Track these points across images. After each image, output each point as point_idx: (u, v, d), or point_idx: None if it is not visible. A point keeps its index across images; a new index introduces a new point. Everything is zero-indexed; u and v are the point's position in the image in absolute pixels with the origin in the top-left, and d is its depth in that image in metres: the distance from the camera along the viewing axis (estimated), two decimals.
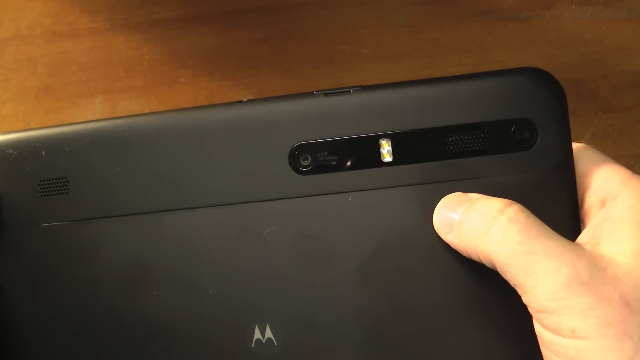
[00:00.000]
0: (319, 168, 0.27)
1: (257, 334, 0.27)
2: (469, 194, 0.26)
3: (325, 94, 0.27)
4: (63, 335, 0.28)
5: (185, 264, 0.27)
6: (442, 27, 0.43)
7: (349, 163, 0.27)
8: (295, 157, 0.27)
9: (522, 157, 0.26)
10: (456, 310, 0.26)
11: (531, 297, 0.23)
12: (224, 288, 0.27)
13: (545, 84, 0.26)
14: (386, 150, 0.27)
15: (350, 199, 0.27)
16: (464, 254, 0.25)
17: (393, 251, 0.26)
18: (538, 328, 0.24)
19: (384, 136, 0.27)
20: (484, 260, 0.24)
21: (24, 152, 0.28)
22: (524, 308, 0.24)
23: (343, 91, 0.27)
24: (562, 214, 0.26)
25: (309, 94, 0.27)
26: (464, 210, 0.25)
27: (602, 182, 0.25)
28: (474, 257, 0.25)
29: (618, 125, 0.41)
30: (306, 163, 0.27)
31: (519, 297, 0.24)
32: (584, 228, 0.26)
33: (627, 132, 0.41)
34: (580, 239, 0.25)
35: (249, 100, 0.27)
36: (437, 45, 0.43)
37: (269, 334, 0.27)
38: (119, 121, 0.28)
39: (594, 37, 0.42)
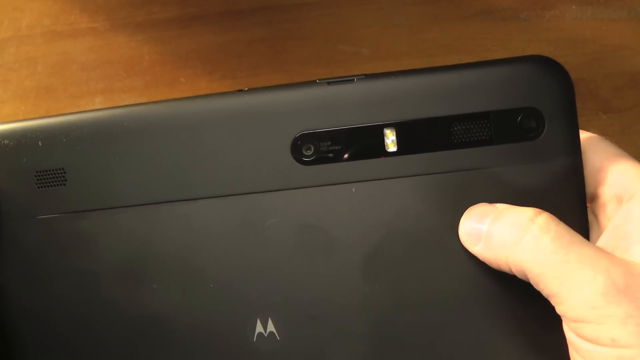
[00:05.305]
0: (322, 158, 0.27)
1: (259, 328, 0.27)
2: (494, 204, 0.25)
3: (328, 83, 0.26)
4: (61, 328, 0.28)
5: (185, 257, 0.27)
6: (442, 27, 0.43)
7: (352, 153, 0.26)
8: (297, 147, 0.27)
9: (528, 147, 0.26)
10: (461, 301, 0.26)
11: (567, 307, 0.22)
12: (225, 281, 0.27)
13: (553, 73, 0.26)
14: (390, 140, 0.26)
15: (354, 190, 0.26)
16: (493, 265, 0.25)
17: (397, 242, 0.26)
18: (572, 337, 0.23)
19: (388, 125, 0.26)
20: (515, 271, 0.24)
21: (20, 142, 0.28)
22: (527, 300, 0.24)
23: (346, 80, 0.26)
24: (569, 204, 0.25)
25: (312, 83, 0.27)
26: (492, 221, 0.24)
27: (618, 177, 0.25)
28: (504, 267, 0.24)
29: (618, 125, 0.41)
30: (309, 153, 0.27)
31: (522, 289, 0.24)
32: (597, 223, 0.26)
33: (627, 132, 0.41)
34: (607, 244, 0.25)
35: (250, 89, 0.27)
36: (437, 45, 0.43)
37: (271, 327, 0.27)
38: (117, 111, 0.28)
39: (594, 37, 0.42)
